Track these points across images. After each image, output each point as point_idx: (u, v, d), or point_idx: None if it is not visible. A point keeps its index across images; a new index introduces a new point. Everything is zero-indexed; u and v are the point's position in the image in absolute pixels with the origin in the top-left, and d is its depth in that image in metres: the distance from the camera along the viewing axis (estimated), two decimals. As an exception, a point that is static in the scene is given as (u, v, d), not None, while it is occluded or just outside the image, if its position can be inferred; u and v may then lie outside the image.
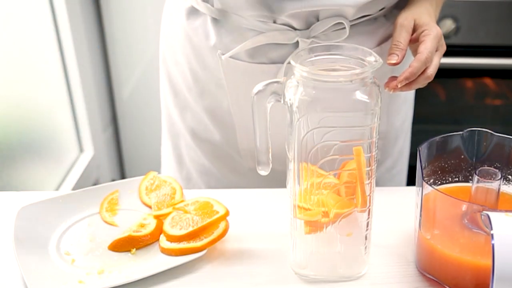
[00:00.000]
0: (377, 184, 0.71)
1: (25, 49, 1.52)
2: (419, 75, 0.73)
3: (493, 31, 1.56)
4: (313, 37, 0.78)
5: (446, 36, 1.55)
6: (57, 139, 1.71)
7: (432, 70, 0.73)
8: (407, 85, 0.72)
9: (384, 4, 0.80)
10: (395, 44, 0.74)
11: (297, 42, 0.78)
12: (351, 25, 0.78)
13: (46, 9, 1.62)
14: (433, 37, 0.73)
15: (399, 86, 0.71)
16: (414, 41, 0.76)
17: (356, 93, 0.58)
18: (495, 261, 0.53)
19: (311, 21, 0.77)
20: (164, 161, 1.05)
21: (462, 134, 0.69)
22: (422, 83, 0.74)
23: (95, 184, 1.39)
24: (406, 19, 0.76)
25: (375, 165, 0.62)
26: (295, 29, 0.78)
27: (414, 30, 0.76)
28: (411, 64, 0.72)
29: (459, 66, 1.62)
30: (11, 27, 1.44)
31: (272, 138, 0.65)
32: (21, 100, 1.51)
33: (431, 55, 0.73)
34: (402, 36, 0.74)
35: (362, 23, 0.79)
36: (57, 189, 1.65)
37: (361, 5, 0.76)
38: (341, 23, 0.77)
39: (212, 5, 0.80)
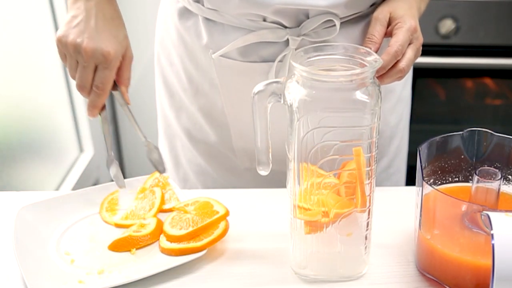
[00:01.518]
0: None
1: (25, 49, 1.52)
2: (390, 69, 0.72)
3: (493, 31, 1.56)
4: (303, 34, 0.78)
5: (446, 36, 1.55)
6: (57, 139, 1.71)
7: (404, 63, 0.72)
8: (378, 79, 0.72)
9: (373, 1, 0.79)
10: (368, 38, 0.74)
11: (288, 40, 0.78)
12: (341, 23, 0.77)
13: (46, 9, 1.62)
14: (405, 29, 0.72)
15: None
16: (389, 35, 0.75)
17: (356, 93, 0.58)
18: (495, 261, 0.53)
19: (301, 19, 0.77)
20: None
21: (462, 134, 0.69)
22: (394, 77, 0.73)
23: (95, 184, 1.39)
24: (381, 12, 0.75)
25: (375, 165, 0.62)
26: (285, 27, 0.78)
27: (390, 23, 0.75)
28: (381, 57, 0.71)
29: (459, 66, 1.61)
30: (11, 27, 1.44)
31: (270, 138, 0.65)
32: (21, 100, 1.51)
33: (402, 48, 0.72)
34: (376, 30, 0.74)
35: (352, 20, 0.79)
36: (57, 189, 1.65)
37: (349, 3, 0.75)
38: (331, 20, 0.76)
39: (203, 5, 0.80)
